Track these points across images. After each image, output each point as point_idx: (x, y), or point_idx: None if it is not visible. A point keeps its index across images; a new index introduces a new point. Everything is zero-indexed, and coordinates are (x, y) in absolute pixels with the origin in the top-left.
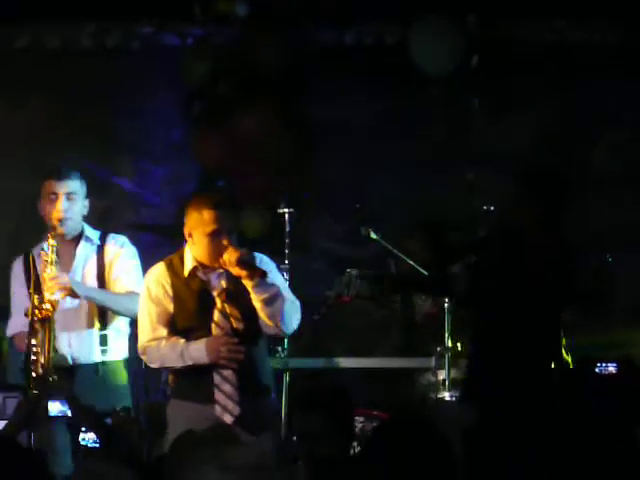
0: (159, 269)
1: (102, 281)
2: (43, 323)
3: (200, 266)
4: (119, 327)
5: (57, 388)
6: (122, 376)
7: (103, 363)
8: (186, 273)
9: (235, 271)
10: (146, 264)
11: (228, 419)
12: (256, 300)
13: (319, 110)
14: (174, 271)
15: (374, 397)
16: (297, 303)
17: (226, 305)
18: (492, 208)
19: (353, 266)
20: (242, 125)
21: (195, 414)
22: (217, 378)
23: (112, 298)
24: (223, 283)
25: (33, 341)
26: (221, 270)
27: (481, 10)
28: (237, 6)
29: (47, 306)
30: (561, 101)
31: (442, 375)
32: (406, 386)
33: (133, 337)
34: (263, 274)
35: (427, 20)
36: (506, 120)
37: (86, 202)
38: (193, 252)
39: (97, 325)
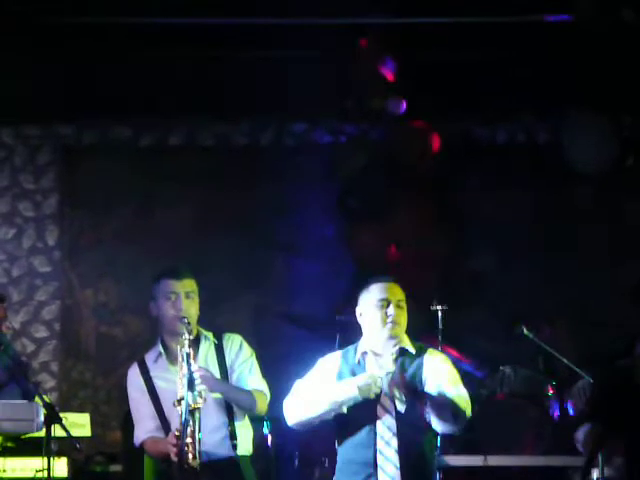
0: (334, 356)
1: (225, 379)
2: (193, 415)
3: (371, 353)
4: (245, 422)
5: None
6: (251, 472)
7: (234, 458)
8: (357, 359)
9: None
10: (296, 358)
11: None
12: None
13: (470, 205)
14: (346, 358)
15: None
16: (463, 396)
17: (393, 388)
18: None
19: (505, 363)
20: (396, 220)
21: None
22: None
23: (242, 394)
24: (391, 365)
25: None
26: (392, 353)
27: (636, 111)
28: (390, 103)
29: (199, 399)
30: None
31: (596, 474)
32: None
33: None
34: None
35: (580, 118)
36: None
37: (198, 301)
38: (365, 338)
39: (226, 420)
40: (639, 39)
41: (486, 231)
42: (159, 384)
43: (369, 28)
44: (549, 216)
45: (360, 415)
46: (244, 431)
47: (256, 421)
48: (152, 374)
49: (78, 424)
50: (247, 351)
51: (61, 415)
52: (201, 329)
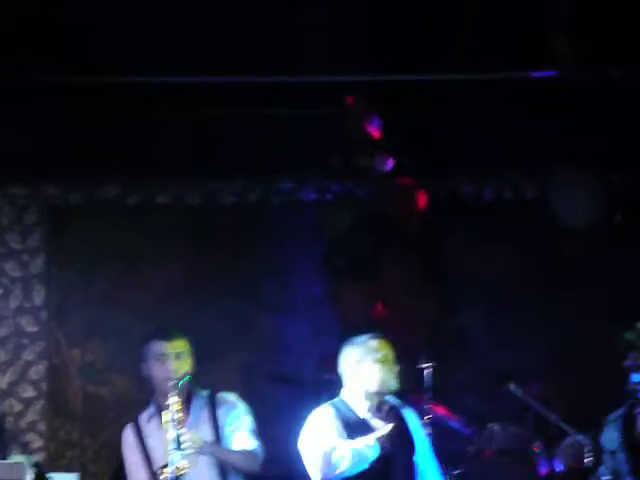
0: (325, 410)
1: (217, 438)
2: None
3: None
4: None
5: None
6: None
7: None
8: (361, 414)
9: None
10: (285, 416)
11: None
12: None
13: (457, 263)
14: (340, 412)
15: None
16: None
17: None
18: None
19: (493, 420)
20: (382, 279)
21: None
22: None
23: (233, 455)
24: (386, 418)
25: None
26: (386, 407)
27: (622, 169)
28: (377, 161)
29: (184, 464)
30: None
31: None
32: None
33: None
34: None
35: (567, 175)
36: None
37: (191, 360)
38: (359, 392)
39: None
40: (625, 95)
41: (473, 289)
42: (153, 444)
43: (355, 86)
44: (536, 273)
45: (374, 468)
46: None
47: None
48: (145, 434)
49: None
50: (241, 410)
51: (49, 475)
52: (195, 388)
